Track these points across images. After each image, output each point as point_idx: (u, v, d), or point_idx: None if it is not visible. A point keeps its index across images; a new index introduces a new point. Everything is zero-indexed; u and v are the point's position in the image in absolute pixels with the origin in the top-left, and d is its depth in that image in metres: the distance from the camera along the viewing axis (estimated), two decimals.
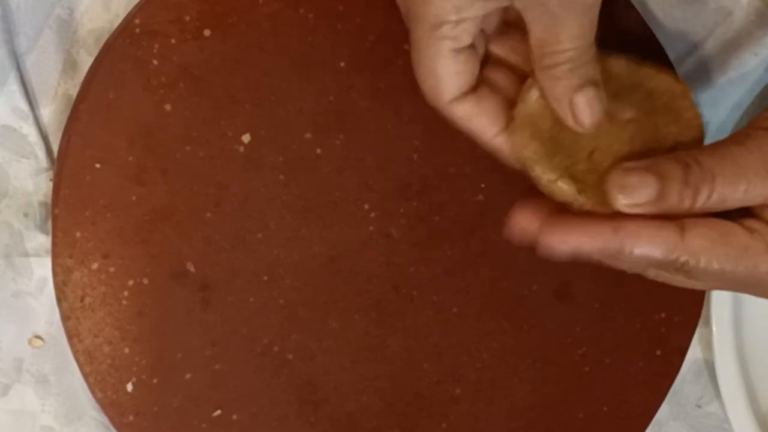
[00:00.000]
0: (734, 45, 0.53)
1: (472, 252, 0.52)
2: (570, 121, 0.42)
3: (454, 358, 0.53)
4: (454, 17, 0.41)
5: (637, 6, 0.52)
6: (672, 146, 0.43)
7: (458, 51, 0.42)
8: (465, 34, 0.41)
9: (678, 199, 0.40)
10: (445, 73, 0.42)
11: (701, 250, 0.40)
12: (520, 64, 0.44)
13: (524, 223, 0.42)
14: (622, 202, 0.40)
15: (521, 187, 0.52)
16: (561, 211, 0.42)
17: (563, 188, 0.42)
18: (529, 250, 0.52)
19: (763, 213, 0.41)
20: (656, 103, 0.44)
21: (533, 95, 0.43)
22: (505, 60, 0.44)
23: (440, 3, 0.41)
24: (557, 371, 0.53)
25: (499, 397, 0.53)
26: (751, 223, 0.41)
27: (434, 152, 0.52)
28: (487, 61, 0.44)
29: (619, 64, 0.44)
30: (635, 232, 0.40)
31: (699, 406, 0.57)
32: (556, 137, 0.43)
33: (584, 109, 0.42)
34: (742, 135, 0.41)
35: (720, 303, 0.55)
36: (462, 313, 0.53)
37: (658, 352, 0.54)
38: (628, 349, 0.54)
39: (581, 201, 0.42)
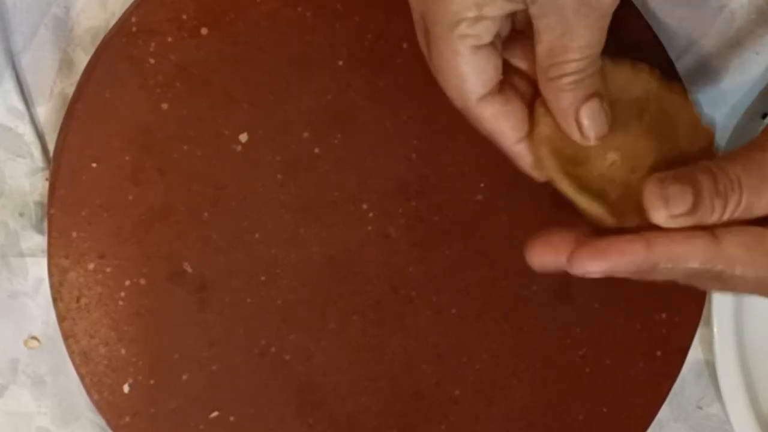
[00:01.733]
0: (735, 44, 0.53)
1: (472, 252, 0.52)
2: (576, 135, 0.42)
3: (454, 358, 0.52)
4: (473, 14, 0.40)
5: (637, 4, 0.51)
6: (683, 151, 0.43)
7: (479, 48, 0.41)
8: (485, 32, 0.41)
9: (711, 209, 0.39)
10: (469, 71, 0.41)
11: (737, 257, 0.39)
12: (532, 73, 0.43)
13: (544, 255, 0.42)
14: (664, 214, 0.39)
15: (521, 187, 0.52)
16: (582, 234, 0.41)
17: (592, 206, 0.42)
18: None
19: None
20: (662, 109, 0.44)
21: (543, 113, 0.43)
22: (517, 67, 0.44)
23: (460, 0, 0.40)
24: (557, 372, 0.53)
25: (499, 398, 0.53)
26: None
27: (433, 152, 0.51)
28: (507, 68, 0.44)
29: (624, 70, 0.44)
30: (669, 246, 0.39)
31: (700, 408, 0.57)
32: (574, 153, 0.43)
33: (590, 123, 0.42)
34: (763, 140, 0.41)
35: (721, 303, 0.54)
36: (461, 313, 0.52)
37: (659, 353, 0.54)
38: (628, 349, 0.54)
39: (609, 219, 0.41)
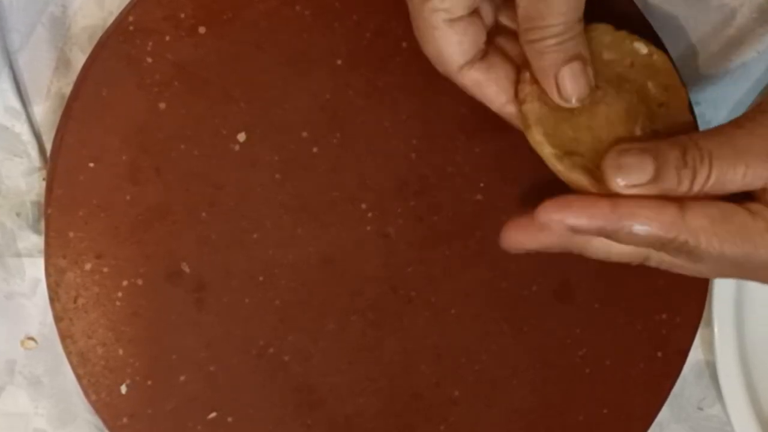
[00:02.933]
0: (736, 43, 0.53)
1: (471, 252, 0.52)
2: (555, 96, 0.42)
3: (453, 359, 0.52)
4: None
5: (637, 3, 0.51)
6: (667, 124, 0.44)
7: (453, 21, 0.42)
8: (457, 6, 0.42)
9: (676, 180, 0.40)
10: (444, 43, 0.43)
11: (701, 228, 0.40)
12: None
13: (516, 231, 0.43)
14: (620, 182, 0.40)
15: (521, 186, 0.52)
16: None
17: (573, 174, 0.42)
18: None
19: (764, 196, 0.41)
20: (643, 73, 0.44)
21: (526, 88, 0.43)
22: (507, 27, 0.45)
23: None
24: (557, 372, 0.53)
25: (499, 399, 0.53)
26: (751, 205, 0.41)
27: (432, 151, 0.51)
28: (498, 30, 0.45)
29: (606, 35, 0.44)
30: (634, 209, 0.40)
31: (700, 409, 0.57)
32: (560, 125, 0.43)
33: (570, 84, 0.42)
34: (742, 119, 0.41)
35: (722, 304, 0.54)
36: (460, 313, 0.52)
37: (659, 354, 0.54)
38: (628, 350, 0.53)
39: (591, 189, 0.42)
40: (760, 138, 0.40)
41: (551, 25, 0.41)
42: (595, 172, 0.42)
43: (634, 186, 0.40)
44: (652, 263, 0.42)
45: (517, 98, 0.44)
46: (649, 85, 0.44)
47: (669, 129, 0.43)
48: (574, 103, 0.42)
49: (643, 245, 0.41)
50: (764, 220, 0.40)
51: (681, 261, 0.42)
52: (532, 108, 0.43)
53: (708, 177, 0.40)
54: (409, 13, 0.43)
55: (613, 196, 0.40)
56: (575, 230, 0.41)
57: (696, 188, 0.40)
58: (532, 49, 0.42)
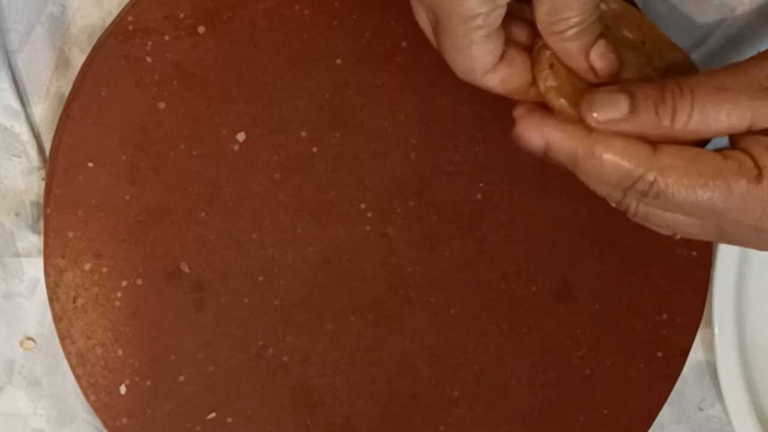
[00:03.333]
0: (737, 41, 0.53)
1: (471, 252, 0.52)
2: (591, 76, 0.43)
3: (452, 360, 0.52)
4: (486, 9, 0.41)
5: (637, 1, 0.51)
6: (651, 53, 0.44)
7: (490, 34, 0.42)
8: (497, 19, 0.42)
9: (654, 117, 0.40)
10: (479, 55, 0.43)
11: (671, 167, 0.39)
12: (525, 14, 0.45)
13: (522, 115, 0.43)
14: (593, 116, 0.40)
15: (520, 186, 0.52)
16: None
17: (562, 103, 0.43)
18: (529, 251, 0.52)
19: (740, 141, 0.40)
20: (617, 25, 0.45)
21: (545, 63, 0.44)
22: (512, 12, 0.45)
23: None
24: (557, 373, 0.53)
25: (498, 400, 0.53)
26: (725, 151, 0.40)
27: (432, 151, 0.51)
28: (504, 19, 0.45)
29: (619, 10, 0.45)
30: (608, 138, 0.40)
31: (701, 409, 0.56)
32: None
33: (601, 63, 0.43)
34: (729, 65, 0.41)
35: (722, 304, 0.54)
36: (460, 314, 0.52)
37: (660, 354, 0.53)
38: (629, 351, 0.53)
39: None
40: (746, 77, 0.40)
41: (576, 14, 0.42)
42: None
43: (610, 121, 0.40)
44: (629, 207, 0.42)
45: (537, 81, 0.44)
46: (625, 32, 0.45)
47: (668, 67, 0.44)
48: (607, 78, 0.43)
49: (613, 181, 0.41)
50: (737, 161, 0.40)
51: (653, 209, 0.41)
52: (552, 86, 0.43)
53: (690, 115, 0.39)
54: (442, 31, 0.43)
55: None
56: (550, 147, 0.41)
57: (678, 125, 0.40)
58: (559, 39, 0.43)
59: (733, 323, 0.54)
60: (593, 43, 0.42)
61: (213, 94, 0.50)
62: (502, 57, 0.44)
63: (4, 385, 0.52)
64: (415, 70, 0.50)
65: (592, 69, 0.43)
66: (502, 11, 0.42)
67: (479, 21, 0.42)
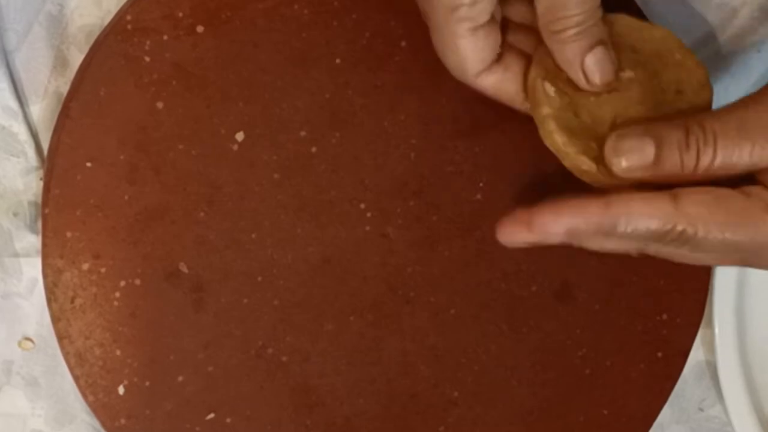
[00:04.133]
0: (738, 41, 0.52)
1: (471, 252, 0.52)
2: (582, 83, 0.43)
3: (452, 360, 0.52)
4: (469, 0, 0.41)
5: (638, 1, 0.51)
6: (681, 109, 0.43)
7: (476, 29, 0.42)
8: (482, 13, 0.42)
9: (679, 162, 0.40)
10: (466, 51, 0.43)
11: (697, 216, 0.39)
12: (535, 24, 0.44)
13: (512, 228, 0.42)
14: (621, 165, 0.40)
15: (520, 186, 0.51)
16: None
17: (585, 162, 0.42)
18: (529, 251, 0.52)
19: (763, 177, 0.40)
20: (660, 57, 0.44)
21: (539, 84, 0.43)
22: (521, 21, 0.45)
23: None
24: (557, 373, 0.53)
25: (498, 401, 0.53)
26: (747, 188, 0.40)
27: (432, 151, 0.51)
28: (507, 26, 0.45)
29: (622, 23, 0.44)
30: (627, 204, 0.40)
31: (701, 409, 0.56)
32: (577, 113, 0.43)
33: (595, 69, 0.42)
34: (748, 99, 0.41)
35: (722, 304, 0.54)
36: (460, 314, 0.52)
37: (660, 354, 0.53)
38: (629, 351, 0.53)
39: (600, 177, 0.42)
40: (766, 114, 0.39)
41: (573, 14, 0.41)
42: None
43: (636, 169, 0.40)
44: (650, 251, 0.42)
45: (527, 87, 0.44)
46: (667, 71, 0.44)
47: (682, 97, 0.44)
48: (599, 87, 0.42)
49: (643, 239, 0.41)
50: (761, 199, 0.40)
51: (683, 251, 0.41)
52: (546, 98, 0.43)
53: (714, 158, 0.39)
54: (431, 25, 0.43)
55: (605, 193, 0.40)
56: (573, 233, 0.40)
57: (701, 169, 0.39)
58: (555, 39, 0.42)
59: (733, 323, 0.54)
60: (591, 48, 0.42)
61: (212, 93, 0.49)
62: (499, 61, 0.44)
63: (2, 386, 0.52)
64: (415, 70, 0.50)
65: (585, 75, 0.42)
66: (488, 5, 0.42)
67: (462, 12, 0.41)
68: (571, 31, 0.42)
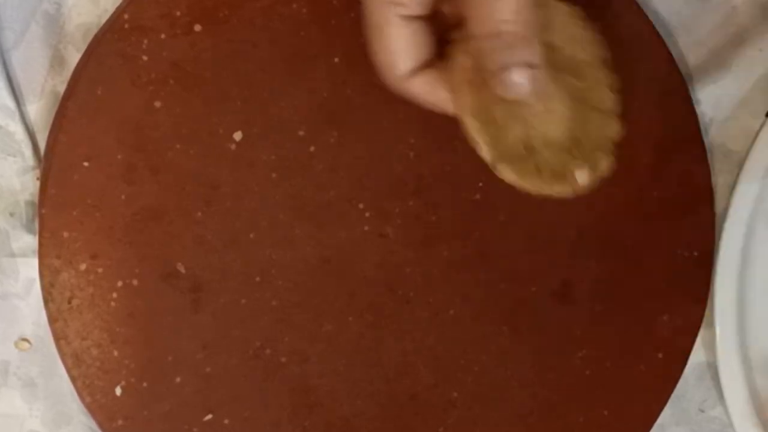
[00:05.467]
0: (738, 40, 0.52)
1: (470, 252, 0.51)
2: (507, 94, 0.42)
3: (451, 361, 0.52)
4: None
5: (639, 2, 0.51)
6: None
7: (409, 19, 0.41)
8: (413, 2, 0.41)
9: None
10: (397, 42, 0.41)
11: None
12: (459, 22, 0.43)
13: None
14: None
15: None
16: None
17: (504, 171, 0.43)
18: (529, 251, 0.52)
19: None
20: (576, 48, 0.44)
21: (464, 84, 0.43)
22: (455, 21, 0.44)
23: None
24: (557, 374, 0.53)
25: (498, 401, 0.52)
26: None
27: (431, 150, 0.51)
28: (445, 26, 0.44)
29: (558, 15, 0.44)
30: None
31: (702, 411, 0.56)
32: (501, 120, 0.43)
33: (517, 82, 0.41)
34: None
35: (723, 305, 0.54)
36: (459, 315, 0.52)
37: (660, 355, 0.53)
38: (629, 352, 0.53)
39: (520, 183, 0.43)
40: None
41: (506, 20, 0.40)
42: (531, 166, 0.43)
43: None
44: None
45: (455, 86, 0.43)
46: (579, 56, 0.44)
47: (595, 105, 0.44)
48: (522, 99, 0.42)
49: None
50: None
51: None
52: (473, 101, 0.43)
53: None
54: (364, 11, 0.42)
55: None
56: None
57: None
58: (482, 46, 0.41)
59: (734, 324, 0.54)
60: (516, 64, 0.41)
61: (210, 93, 0.49)
62: (431, 65, 0.42)
63: None
64: None
65: (504, 87, 0.41)
66: None
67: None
68: (498, 41, 0.40)
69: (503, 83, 0.41)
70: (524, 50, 0.41)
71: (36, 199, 0.50)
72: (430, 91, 0.43)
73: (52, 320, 0.49)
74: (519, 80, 0.41)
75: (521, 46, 0.41)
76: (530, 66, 0.41)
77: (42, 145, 0.51)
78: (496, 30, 0.40)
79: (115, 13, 0.49)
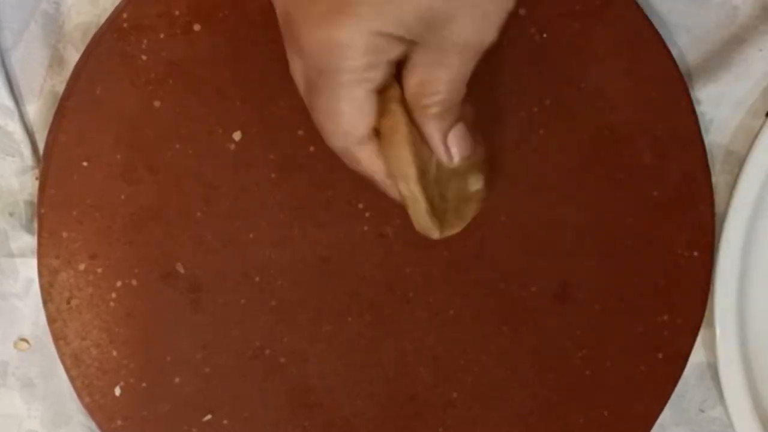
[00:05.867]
0: (739, 40, 0.52)
1: (470, 252, 0.51)
2: (444, 157, 0.44)
3: (451, 361, 0.52)
4: (374, 59, 0.41)
5: (639, 1, 0.51)
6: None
7: (373, 91, 0.42)
8: (383, 76, 0.41)
9: None
10: (359, 114, 0.42)
11: None
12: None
13: None
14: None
15: (520, 186, 0.51)
16: None
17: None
18: (529, 251, 0.51)
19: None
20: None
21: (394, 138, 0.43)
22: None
23: (360, 45, 0.40)
24: (556, 375, 0.52)
25: (497, 402, 0.52)
26: None
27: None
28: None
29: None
30: None
31: (702, 411, 0.56)
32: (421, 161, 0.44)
33: (456, 147, 0.44)
34: None
35: (723, 305, 0.54)
36: (459, 315, 0.52)
37: (660, 356, 0.53)
38: (629, 352, 0.53)
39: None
40: None
41: (444, 90, 0.42)
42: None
43: None
44: None
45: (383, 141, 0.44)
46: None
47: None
48: (456, 162, 0.44)
49: None
50: None
51: None
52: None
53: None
54: (318, 83, 0.42)
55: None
56: None
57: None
58: (422, 114, 0.43)
59: (734, 324, 0.54)
60: (453, 125, 0.44)
61: (209, 92, 0.49)
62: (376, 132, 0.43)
63: None
64: None
65: (445, 150, 0.44)
66: (387, 69, 0.41)
67: (367, 73, 0.41)
68: (438, 108, 0.43)
69: (447, 145, 0.44)
70: (456, 110, 0.43)
71: (35, 199, 0.50)
72: (370, 161, 0.44)
73: (51, 320, 0.49)
74: (457, 141, 0.44)
75: (454, 108, 0.43)
76: (463, 120, 0.44)
77: (41, 144, 0.51)
78: (432, 101, 0.42)
79: (114, 12, 0.49)
